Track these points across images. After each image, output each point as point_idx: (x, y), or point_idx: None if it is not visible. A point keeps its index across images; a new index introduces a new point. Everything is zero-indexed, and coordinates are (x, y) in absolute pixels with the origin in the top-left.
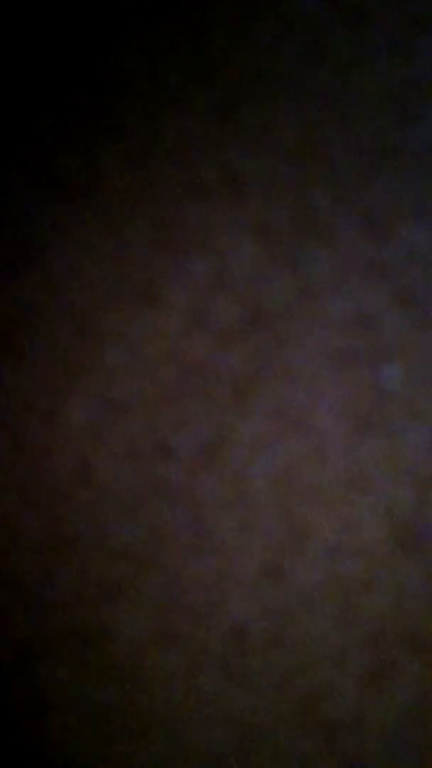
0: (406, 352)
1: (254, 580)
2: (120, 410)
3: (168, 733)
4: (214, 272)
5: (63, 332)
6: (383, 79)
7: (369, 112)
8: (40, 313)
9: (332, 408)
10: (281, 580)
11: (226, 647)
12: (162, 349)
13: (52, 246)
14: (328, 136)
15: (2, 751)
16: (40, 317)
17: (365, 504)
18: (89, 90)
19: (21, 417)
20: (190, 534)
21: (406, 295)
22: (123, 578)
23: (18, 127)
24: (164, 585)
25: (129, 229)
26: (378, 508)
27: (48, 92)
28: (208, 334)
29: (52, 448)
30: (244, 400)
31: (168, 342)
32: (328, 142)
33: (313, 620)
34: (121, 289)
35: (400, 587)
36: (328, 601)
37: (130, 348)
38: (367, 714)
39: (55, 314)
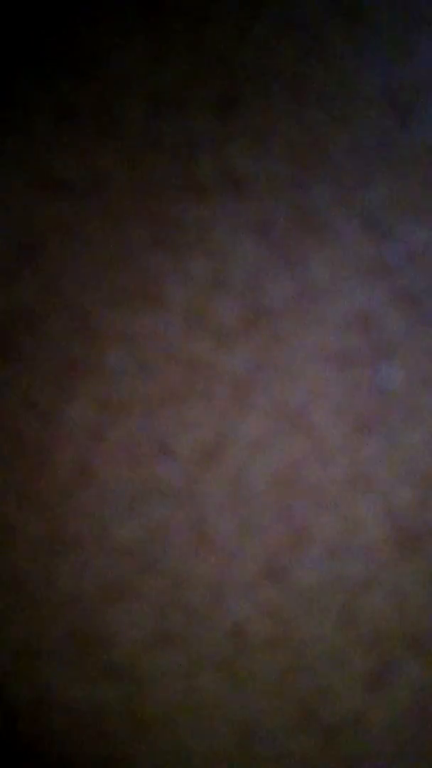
0: (406, 352)
1: (254, 580)
2: (120, 410)
3: (168, 733)
4: (214, 272)
5: (63, 332)
6: (383, 79)
7: (369, 112)
8: (40, 313)
9: (332, 408)
10: (281, 580)
11: (226, 647)
12: (162, 349)
13: (52, 246)
14: (328, 136)
15: (2, 751)
16: (40, 317)
17: (365, 504)
18: (89, 89)
19: (21, 417)
20: (190, 534)
21: (406, 295)
22: (123, 578)
23: (17, 127)
24: (164, 585)
25: (129, 229)
26: (378, 508)
27: (47, 92)
28: (208, 334)
29: (52, 448)
30: (244, 400)
31: (168, 342)
32: (328, 142)
33: (313, 620)
34: (121, 289)
35: (400, 587)
36: (328, 601)
37: (130, 348)
38: (367, 714)
39: (55, 314)
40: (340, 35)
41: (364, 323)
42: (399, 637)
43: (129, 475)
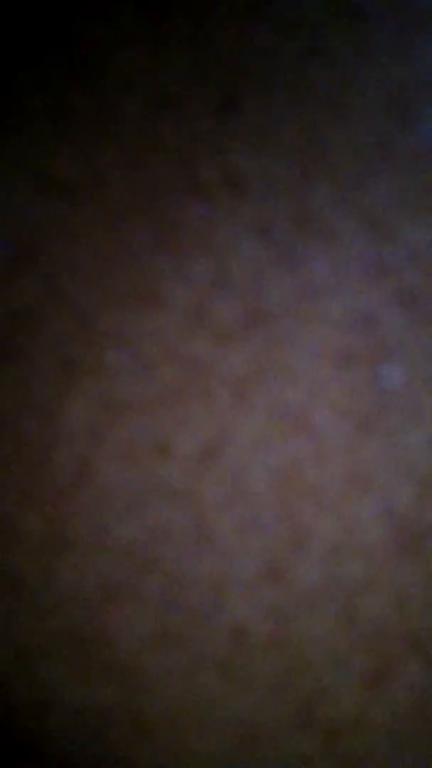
0: (406, 352)
1: (254, 580)
2: (120, 410)
3: (168, 733)
4: (214, 272)
5: (63, 332)
6: (383, 79)
7: (369, 112)
8: (40, 313)
9: (332, 408)
10: (281, 580)
11: (226, 647)
12: (162, 349)
13: (52, 246)
14: (328, 136)
15: (2, 751)
16: (40, 317)
17: (365, 504)
18: (89, 89)
19: (21, 417)
20: (190, 534)
21: (406, 295)
22: (123, 578)
23: (17, 127)
24: (164, 585)
25: (129, 229)
26: (378, 508)
27: (47, 92)
28: (208, 334)
29: (52, 448)
30: (244, 400)
31: (168, 342)
32: (328, 142)
33: (313, 620)
34: (121, 289)
35: (400, 587)
36: (328, 601)
37: (130, 348)
38: (367, 714)
39: (55, 314)
40: (340, 35)
41: (364, 323)
42: (399, 637)
43: (129, 475)
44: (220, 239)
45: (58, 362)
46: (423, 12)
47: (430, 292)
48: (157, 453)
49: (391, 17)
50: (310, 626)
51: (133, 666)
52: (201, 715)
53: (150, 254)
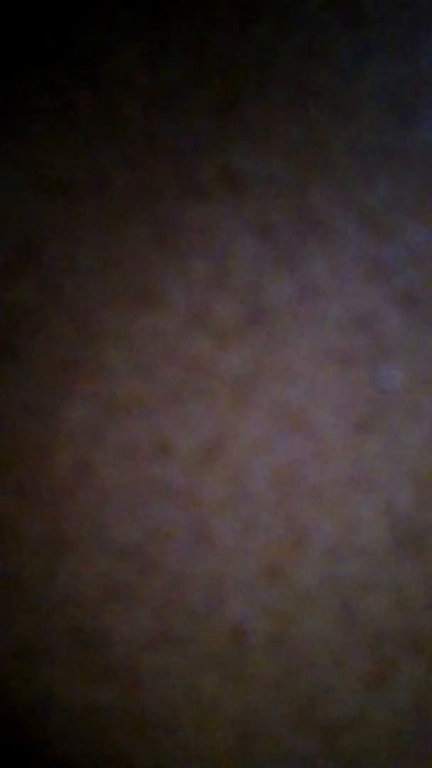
0: (406, 352)
1: (254, 580)
2: (120, 410)
3: (167, 733)
4: (214, 272)
5: (63, 332)
6: (383, 79)
7: (369, 112)
8: (40, 313)
9: (332, 408)
10: (281, 580)
11: (226, 647)
12: (162, 349)
13: (52, 246)
14: (328, 136)
15: (2, 751)
16: (40, 317)
17: (365, 504)
18: (89, 89)
19: (21, 417)
20: (190, 534)
21: (406, 295)
22: (123, 578)
23: (17, 127)
24: (164, 585)
25: (129, 229)
26: (378, 508)
27: (47, 92)
28: (208, 334)
29: (52, 448)
30: (244, 400)
31: (168, 342)
32: (328, 142)
33: (313, 620)
34: (121, 289)
35: (400, 587)
36: (328, 601)
37: (130, 348)
38: (367, 714)
39: (55, 314)
40: (340, 35)
41: (364, 323)
42: (399, 637)
43: (129, 475)
44: (219, 239)
45: (58, 362)
46: (423, 12)
47: (430, 292)
48: (157, 453)
49: (392, 17)
50: (310, 626)
51: (133, 666)
52: (201, 715)
53: (150, 254)
